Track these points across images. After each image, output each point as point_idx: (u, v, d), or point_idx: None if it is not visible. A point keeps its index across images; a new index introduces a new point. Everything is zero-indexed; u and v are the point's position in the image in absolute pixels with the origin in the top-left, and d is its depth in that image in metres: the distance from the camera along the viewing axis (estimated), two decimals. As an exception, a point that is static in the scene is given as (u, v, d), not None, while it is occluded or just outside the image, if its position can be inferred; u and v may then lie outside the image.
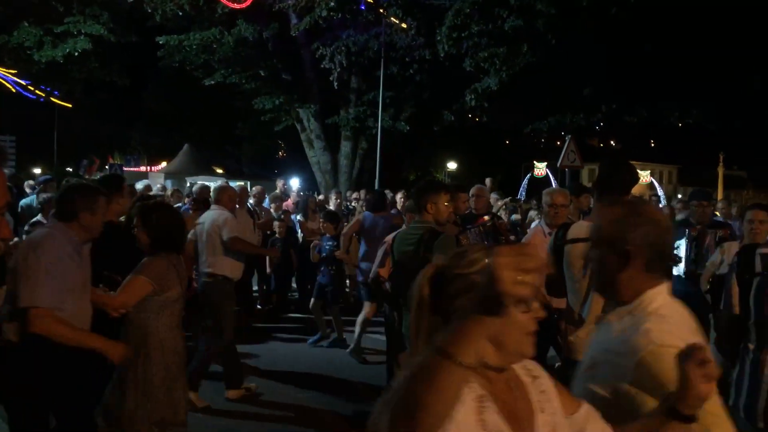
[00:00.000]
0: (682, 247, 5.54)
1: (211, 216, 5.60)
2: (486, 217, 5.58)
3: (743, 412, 2.71)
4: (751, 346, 2.73)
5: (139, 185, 9.63)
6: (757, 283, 2.70)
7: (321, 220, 7.64)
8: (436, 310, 1.31)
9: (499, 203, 9.20)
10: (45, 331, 2.99)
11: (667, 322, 1.66)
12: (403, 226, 5.25)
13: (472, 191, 6.15)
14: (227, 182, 10.69)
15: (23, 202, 8.91)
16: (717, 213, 8.44)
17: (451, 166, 40.72)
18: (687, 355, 1.45)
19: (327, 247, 7.13)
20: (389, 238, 4.97)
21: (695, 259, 5.35)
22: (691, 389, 1.44)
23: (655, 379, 1.56)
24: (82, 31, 16.57)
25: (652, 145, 51.75)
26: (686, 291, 5.53)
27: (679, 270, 5.63)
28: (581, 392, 1.70)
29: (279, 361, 6.52)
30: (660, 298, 1.72)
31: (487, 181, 8.59)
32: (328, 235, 7.23)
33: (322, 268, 7.10)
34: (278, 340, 7.40)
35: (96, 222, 3.29)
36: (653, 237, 1.66)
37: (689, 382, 1.44)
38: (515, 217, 9.71)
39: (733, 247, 4.15)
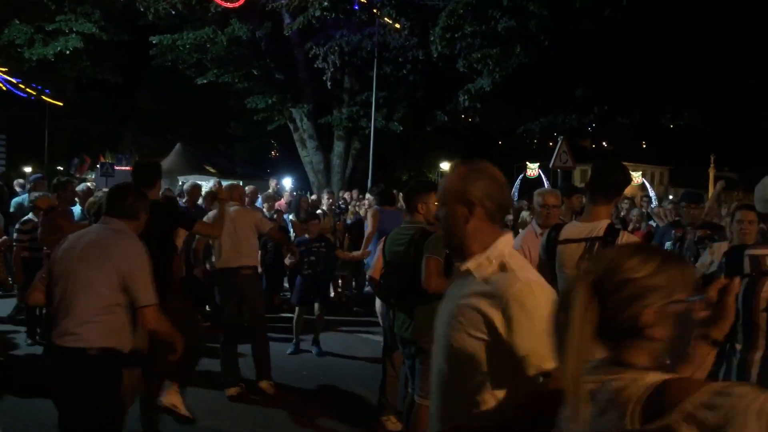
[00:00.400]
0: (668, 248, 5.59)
1: (236, 211, 5.73)
2: None
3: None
4: (738, 347, 2.75)
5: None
6: (745, 285, 2.71)
7: (304, 221, 7.32)
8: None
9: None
10: (159, 327, 3.14)
11: (525, 263, 1.82)
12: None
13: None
14: (219, 181, 10.66)
15: (14, 200, 8.86)
16: (708, 214, 8.48)
17: (444, 166, 40.74)
18: (728, 287, 1.56)
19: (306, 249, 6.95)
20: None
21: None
22: (728, 318, 1.55)
23: (524, 312, 1.67)
24: (74, 30, 16.49)
25: (644, 146, 51.97)
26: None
27: None
28: (445, 343, 1.79)
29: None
30: (509, 244, 1.85)
31: None
32: (307, 236, 7.04)
33: (309, 272, 6.88)
34: (270, 339, 7.38)
35: (145, 220, 3.41)
36: (491, 189, 1.83)
37: (728, 311, 1.55)
38: (508, 217, 9.74)
39: (722, 248, 4.17)
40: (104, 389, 3.03)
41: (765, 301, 2.63)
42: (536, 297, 1.71)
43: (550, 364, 1.62)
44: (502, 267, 1.78)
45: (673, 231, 5.61)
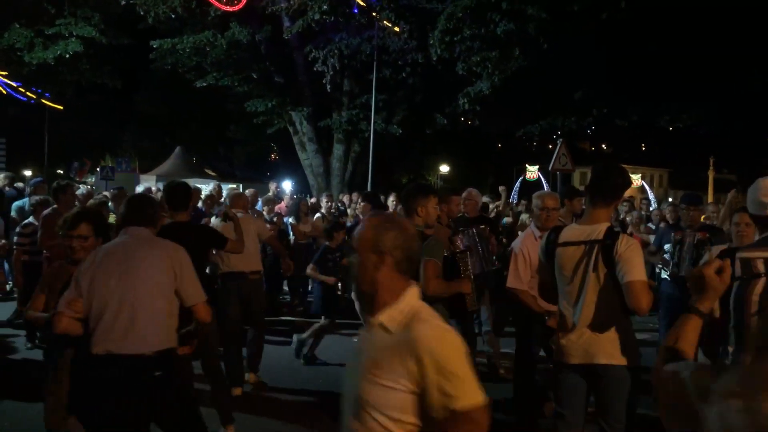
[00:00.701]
0: (668, 251, 5.59)
1: (240, 218, 5.84)
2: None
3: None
4: (731, 349, 2.77)
5: (140, 189, 9.67)
6: (736, 287, 2.73)
7: (330, 230, 7.06)
8: None
9: (491, 206, 9.25)
10: (209, 320, 3.48)
11: (433, 312, 1.94)
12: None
13: (463, 195, 6.18)
14: (219, 185, 10.69)
15: (15, 204, 8.85)
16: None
17: (444, 169, 40.78)
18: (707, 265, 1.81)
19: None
20: None
21: (677, 261, 5.41)
22: (711, 290, 1.81)
23: (439, 358, 1.79)
24: (74, 33, 16.49)
25: (643, 148, 52.05)
26: (671, 294, 5.58)
27: (665, 273, 5.69)
28: (357, 397, 1.86)
29: (269, 364, 6.48)
30: (417, 295, 1.95)
31: (501, 189, 8.71)
32: (327, 243, 6.89)
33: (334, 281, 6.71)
34: (269, 342, 7.38)
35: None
36: (401, 240, 1.92)
37: (708, 283, 1.81)
38: (507, 220, 9.74)
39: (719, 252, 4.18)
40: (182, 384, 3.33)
41: (756, 304, 2.64)
42: (448, 345, 1.82)
43: (462, 404, 1.77)
44: (413, 318, 1.86)
45: (673, 233, 5.62)
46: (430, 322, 1.87)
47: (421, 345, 1.80)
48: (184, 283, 3.23)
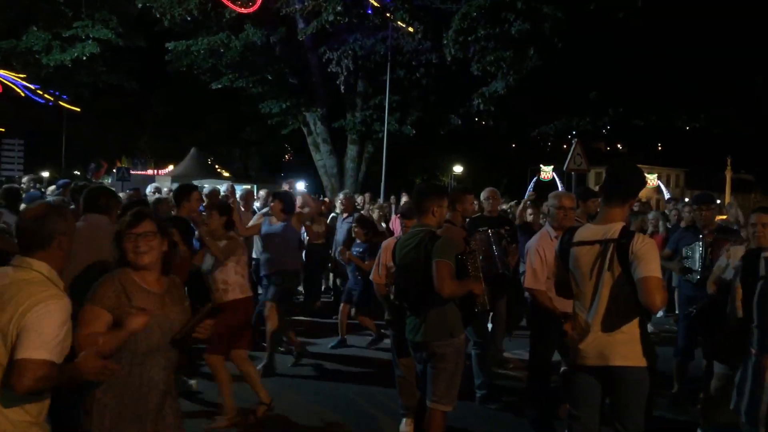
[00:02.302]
0: (695, 253, 5.39)
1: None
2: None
3: (744, 416, 2.70)
4: (753, 351, 2.72)
5: (149, 189, 9.76)
6: (760, 287, 2.69)
7: (354, 226, 7.33)
8: None
9: (505, 206, 9.21)
10: None
11: None
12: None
13: (485, 194, 6.14)
14: (233, 185, 10.74)
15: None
16: (723, 217, 8.39)
17: (457, 169, 40.69)
18: None
19: (355, 252, 7.12)
20: (388, 243, 5.00)
21: (709, 266, 5.16)
22: None
23: None
24: (91, 36, 16.67)
25: (659, 148, 51.57)
26: (691, 296, 5.47)
27: (692, 277, 5.47)
28: None
29: (281, 364, 6.51)
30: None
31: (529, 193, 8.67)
32: (358, 240, 7.16)
33: (358, 274, 7.12)
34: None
35: None
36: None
37: None
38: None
39: (738, 251, 4.11)
40: None
41: None
42: None
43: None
44: None
45: (702, 236, 5.39)
46: None
47: None
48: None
